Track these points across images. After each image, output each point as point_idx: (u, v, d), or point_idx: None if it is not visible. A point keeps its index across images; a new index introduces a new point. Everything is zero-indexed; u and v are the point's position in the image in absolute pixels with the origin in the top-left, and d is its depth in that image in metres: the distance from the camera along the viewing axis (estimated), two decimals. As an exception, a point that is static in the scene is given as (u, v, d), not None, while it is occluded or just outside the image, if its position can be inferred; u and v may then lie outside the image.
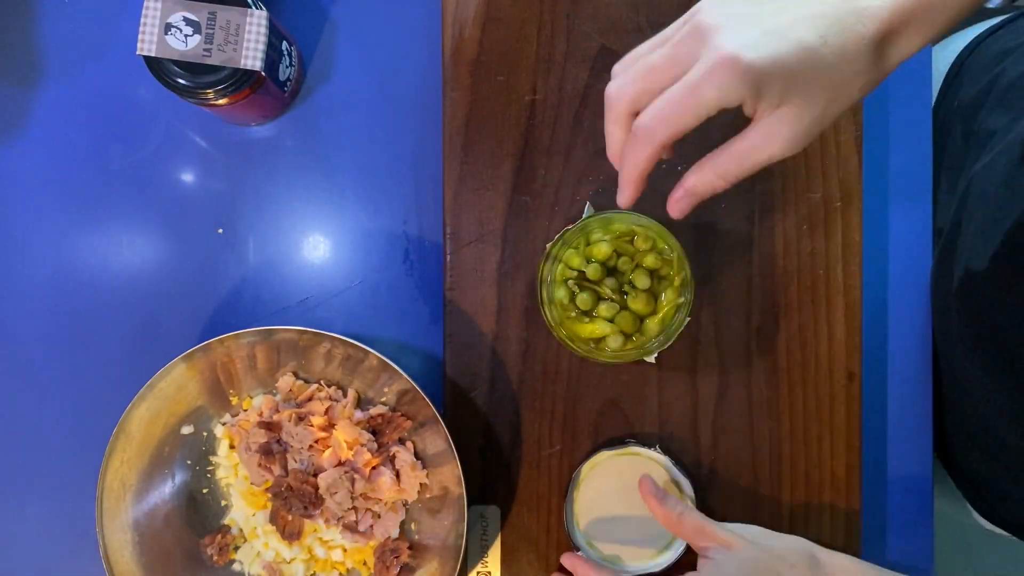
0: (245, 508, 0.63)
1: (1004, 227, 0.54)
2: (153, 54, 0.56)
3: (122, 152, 0.66)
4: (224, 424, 0.63)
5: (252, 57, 0.56)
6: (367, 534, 0.61)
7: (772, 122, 0.41)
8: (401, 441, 0.62)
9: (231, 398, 0.63)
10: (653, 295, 0.57)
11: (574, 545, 0.61)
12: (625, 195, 0.45)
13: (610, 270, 0.58)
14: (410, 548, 0.61)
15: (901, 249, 0.67)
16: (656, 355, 0.61)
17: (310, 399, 0.62)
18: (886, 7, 0.40)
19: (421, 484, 0.61)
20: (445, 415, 0.62)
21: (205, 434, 0.63)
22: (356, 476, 0.60)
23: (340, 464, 0.61)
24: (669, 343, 0.57)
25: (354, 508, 0.61)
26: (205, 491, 0.63)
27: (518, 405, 0.62)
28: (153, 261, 0.65)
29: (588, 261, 0.57)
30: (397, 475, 0.61)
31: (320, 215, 0.66)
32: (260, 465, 0.61)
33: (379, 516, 0.62)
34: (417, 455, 0.61)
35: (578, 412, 0.62)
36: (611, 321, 0.57)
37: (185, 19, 0.56)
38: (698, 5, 0.42)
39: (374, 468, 0.61)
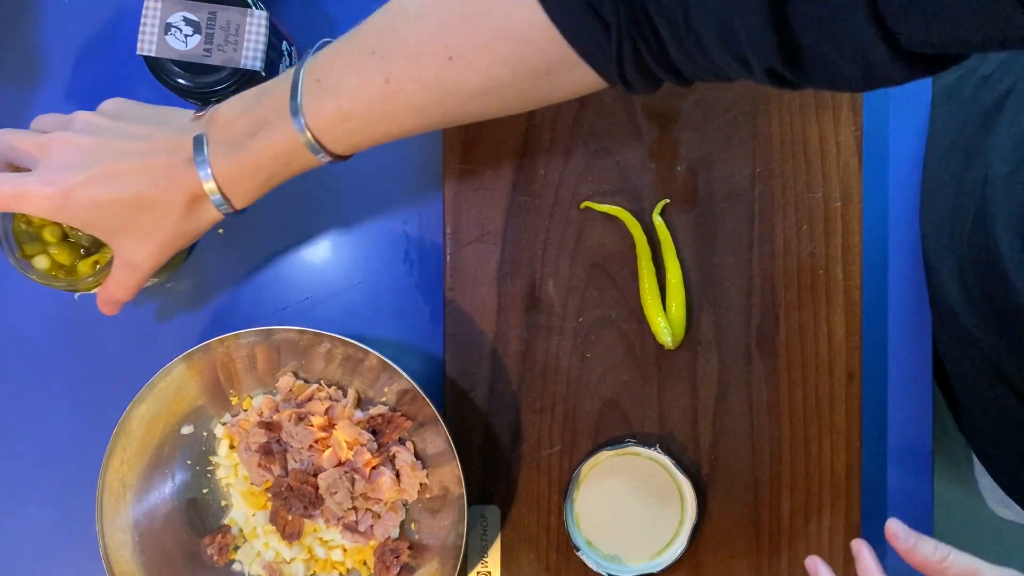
0: (245, 508, 0.63)
1: None
2: (153, 54, 0.56)
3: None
4: (224, 424, 0.63)
5: (252, 57, 0.56)
6: (367, 534, 0.61)
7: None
8: (401, 441, 0.62)
9: (231, 398, 0.63)
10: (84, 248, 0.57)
11: (574, 545, 0.61)
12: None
13: None
14: (410, 548, 0.61)
15: (901, 249, 0.67)
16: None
17: (310, 399, 0.62)
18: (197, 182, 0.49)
19: (421, 484, 0.61)
20: (445, 415, 0.62)
21: (205, 434, 0.63)
22: (356, 476, 0.60)
23: (340, 464, 0.61)
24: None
25: (354, 508, 0.61)
26: (205, 491, 0.63)
27: (518, 405, 0.62)
28: (153, 261, 0.65)
29: None
30: (397, 475, 0.61)
31: (320, 215, 0.66)
32: (260, 465, 0.61)
33: (379, 516, 0.62)
34: (417, 455, 0.61)
35: (578, 412, 0.62)
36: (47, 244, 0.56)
37: (185, 19, 0.56)
38: (73, 116, 0.50)
39: (374, 468, 0.61)
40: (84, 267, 0.56)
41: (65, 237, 0.56)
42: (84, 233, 0.56)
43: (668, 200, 0.62)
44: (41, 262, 0.55)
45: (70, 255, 0.56)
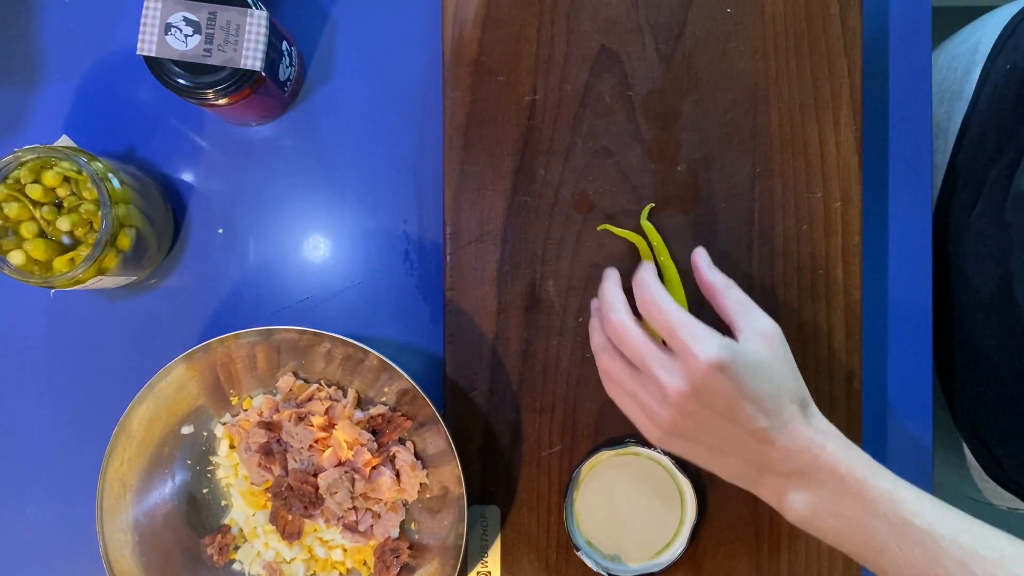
0: (245, 508, 0.63)
1: None
2: (153, 54, 0.56)
3: (122, 152, 0.66)
4: (224, 424, 0.63)
5: (252, 57, 0.56)
6: (367, 534, 0.61)
7: None
8: (401, 441, 0.62)
9: (231, 398, 0.63)
10: (62, 244, 0.57)
11: (574, 545, 0.61)
12: None
13: (59, 203, 0.56)
14: (410, 548, 0.61)
15: (901, 249, 0.67)
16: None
17: (310, 399, 0.62)
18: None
19: (421, 484, 0.61)
20: (445, 415, 0.62)
21: (205, 434, 0.63)
22: (356, 476, 0.60)
23: (340, 464, 0.61)
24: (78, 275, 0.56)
25: (354, 508, 0.61)
26: (205, 491, 0.63)
27: (518, 405, 0.62)
28: (153, 261, 0.65)
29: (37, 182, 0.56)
30: (397, 475, 0.61)
31: (320, 215, 0.66)
32: (260, 465, 0.61)
33: (379, 516, 0.62)
34: (417, 455, 0.61)
35: (578, 412, 0.62)
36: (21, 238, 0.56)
37: (185, 19, 0.56)
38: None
39: (374, 468, 0.61)
40: (60, 264, 0.56)
41: (42, 233, 0.56)
42: (61, 230, 0.56)
43: (654, 204, 0.62)
44: (16, 257, 0.55)
45: (46, 251, 0.56)
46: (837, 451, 0.49)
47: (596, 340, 0.56)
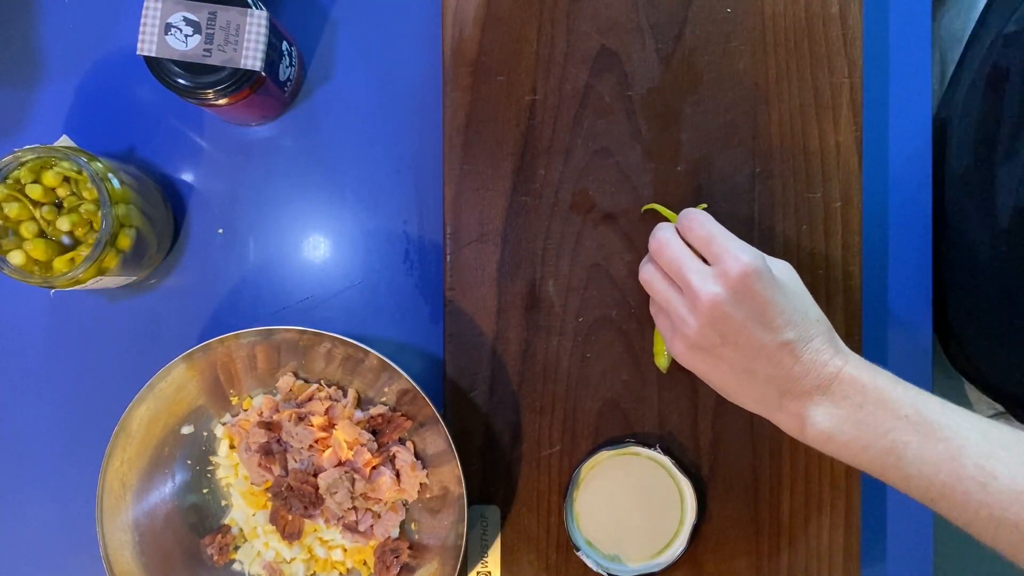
0: (245, 508, 0.63)
1: None
2: (153, 54, 0.56)
3: (122, 152, 0.66)
4: (224, 424, 0.63)
5: (252, 57, 0.56)
6: (367, 534, 0.61)
7: None
8: (401, 441, 0.62)
9: (231, 398, 0.63)
10: (62, 244, 0.57)
11: (574, 545, 0.61)
12: None
13: (59, 203, 0.57)
14: (410, 548, 0.61)
15: (901, 249, 0.67)
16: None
17: (310, 399, 0.62)
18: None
19: (421, 484, 0.61)
20: (445, 415, 0.62)
21: (205, 434, 0.63)
22: (356, 476, 0.60)
23: (340, 464, 0.61)
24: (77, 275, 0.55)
25: (354, 508, 0.61)
26: (205, 491, 0.63)
27: (518, 405, 0.62)
28: (153, 261, 0.66)
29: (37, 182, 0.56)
30: (397, 475, 0.61)
31: (320, 215, 0.66)
32: (260, 465, 0.61)
33: (379, 516, 0.62)
34: (417, 455, 0.61)
35: (578, 412, 0.62)
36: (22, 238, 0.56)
37: (185, 19, 0.56)
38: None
39: (374, 468, 0.61)
40: (60, 264, 0.56)
41: (42, 233, 0.56)
42: (61, 230, 0.56)
43: (653, 205, 0.62)
44: (16, 257, 0.55)
45: (46, 251, 0.56)
46: (860, 365, 0.50)
47: (645, 268, 0.57)
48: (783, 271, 0.53)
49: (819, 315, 0.52)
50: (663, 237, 0.54)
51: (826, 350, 0.50)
